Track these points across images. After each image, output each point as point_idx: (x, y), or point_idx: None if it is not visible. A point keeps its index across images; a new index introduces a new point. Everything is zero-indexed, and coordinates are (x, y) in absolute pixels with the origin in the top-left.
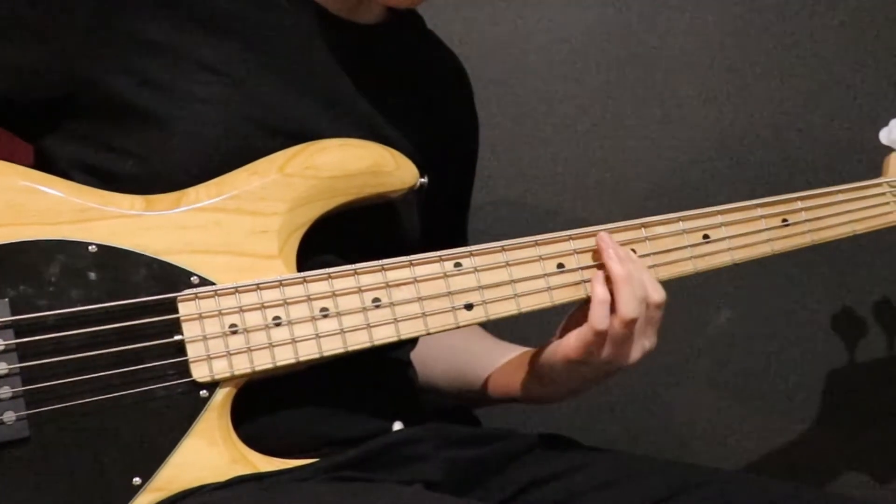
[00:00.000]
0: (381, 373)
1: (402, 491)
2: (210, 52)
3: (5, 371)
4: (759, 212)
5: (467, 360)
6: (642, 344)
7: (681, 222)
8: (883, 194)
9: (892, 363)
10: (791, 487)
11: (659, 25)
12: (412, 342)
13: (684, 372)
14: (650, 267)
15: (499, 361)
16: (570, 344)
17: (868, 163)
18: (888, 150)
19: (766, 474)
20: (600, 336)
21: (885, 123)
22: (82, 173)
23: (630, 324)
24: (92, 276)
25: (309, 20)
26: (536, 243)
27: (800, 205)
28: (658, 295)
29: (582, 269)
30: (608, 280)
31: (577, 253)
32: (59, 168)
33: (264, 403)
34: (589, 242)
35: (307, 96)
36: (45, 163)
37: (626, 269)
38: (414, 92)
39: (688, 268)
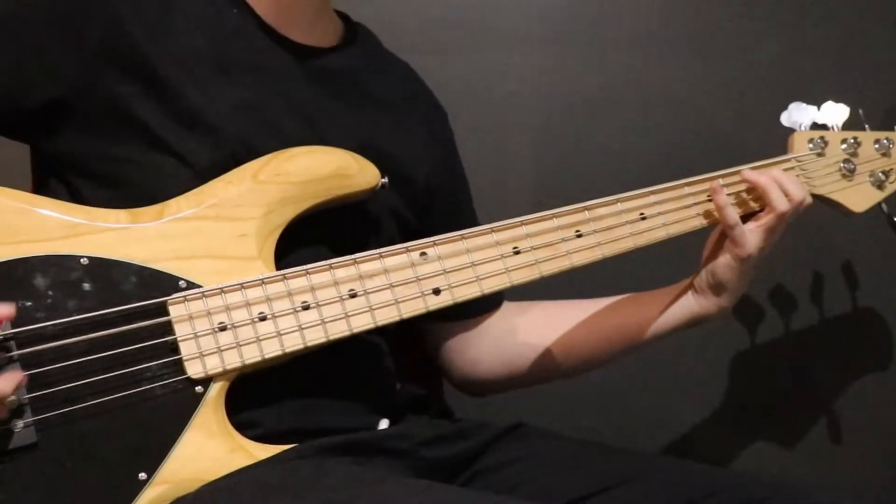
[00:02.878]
0: (367, 374)
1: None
2: (195, 82)
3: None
4: (687, 190)
5: (621, 318)
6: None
7: (619, 203)
8: (792, 168)
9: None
10: (736, 476)
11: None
12: (389, 342)
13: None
14: (595, 245)
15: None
16: (753, 240)
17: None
18: (790, 130)
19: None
20: (781, 218)
21: (785, 108)
22: (79, 178)
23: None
24: (85, 286)
25: (283, 51)
26: (493, 230)
27: (721, 182)
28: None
29: (534, 249)
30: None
31: (530, 237)
32: (58, 174)
33: (255, 394)
34: (539, 227)
35: (290, 119)
36: (43, 169)
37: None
38: (383, 102)
39: (629, 244)
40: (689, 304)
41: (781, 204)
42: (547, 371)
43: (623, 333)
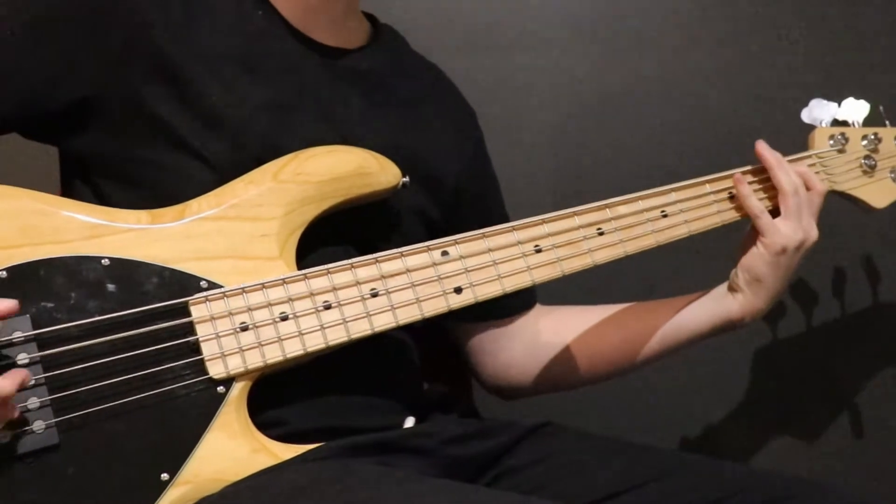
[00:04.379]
0: (393, 372)
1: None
2: (220, 83)
3: (31, 382)
4: (708, 188)
5: (646, 322)
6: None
7: (640, 201)
8: (813, 165)
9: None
10: (760, 474)
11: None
12: (419, 342)
13: None
14: (618, 243)
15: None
16: (783, 229)
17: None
18: (811, 127)
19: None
20: (797, 196)
21: (806, 104)
22: (104, 179)
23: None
24: (107, 287)
25: (309, 52)
26: (514, 228)
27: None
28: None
29: (556, 247)
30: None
31: (552, 235)
32: (84, 175)
33: (279, 393)
34: (561, 225)
35: (315, 120)
36: (70, 171)
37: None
38: (410, 102)
39: (650, 241)
40: (726, 305)
41: (788, 181)
42: (580, 375)
43: (659, 336)
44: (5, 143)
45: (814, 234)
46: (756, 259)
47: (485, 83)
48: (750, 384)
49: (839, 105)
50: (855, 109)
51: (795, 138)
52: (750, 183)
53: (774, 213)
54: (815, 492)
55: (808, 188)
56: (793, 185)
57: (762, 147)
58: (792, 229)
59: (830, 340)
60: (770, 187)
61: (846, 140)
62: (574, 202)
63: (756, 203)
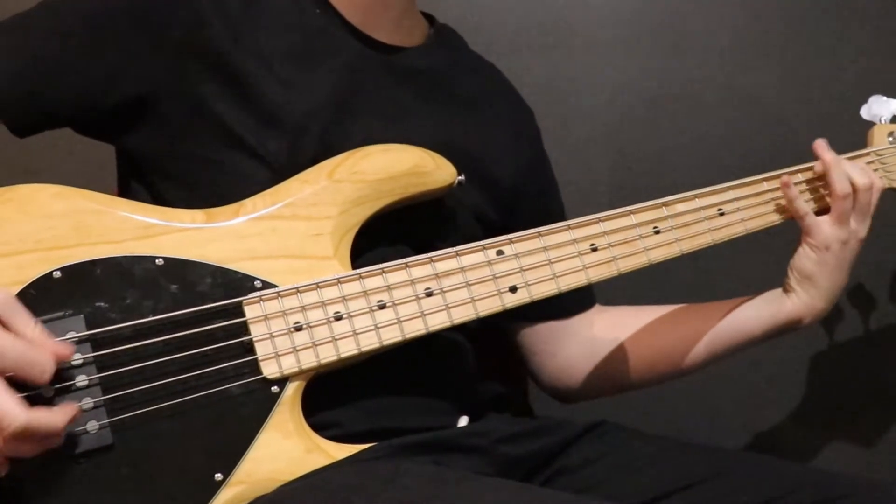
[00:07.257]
0: (447, 372)
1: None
2: (277, 81)
3: (85, 383)
4: (765, 185)
5: (704, 322)
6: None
7: (697, 199)
8: (872, 162)
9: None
10: (817, 473)
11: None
12: (474, 341)
13: None
14: (673, 241)
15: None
16: (827, 229)
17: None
18: (870, 123)
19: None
20: (846, 202)
21: (865, 101)
22: (159, 177)
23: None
24: (160, 287)
25: (367, 50)
26: (570, 227)
27: (800, 177)
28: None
29: (612, 246)
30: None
31: (607, 234)
32: (139, 174)
33: (333, 395)
34: (617, 223)
35: (373, 118)
36: (126, 170)
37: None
38: (468, 101)
39: (707, 240)
40: (781, 306)
41: (841, 186)
42: (637, 376)
43: (716, 337)
44: (64, 143)
45: (862, 232)
46: (803, 258)
47: (541, 82)
48: (806, 387)
49: None
50: None
51: (854, 135)
52: (799, 182)
53: (825, 212)
54: (874, 491)
55: (859, 187)
56: (845, 190)
57: (820, 146)
58: (836, 228)
59: (888, 345)
60: (817, 190)
61: None
62: (630, 201)
63: (802, 205)
